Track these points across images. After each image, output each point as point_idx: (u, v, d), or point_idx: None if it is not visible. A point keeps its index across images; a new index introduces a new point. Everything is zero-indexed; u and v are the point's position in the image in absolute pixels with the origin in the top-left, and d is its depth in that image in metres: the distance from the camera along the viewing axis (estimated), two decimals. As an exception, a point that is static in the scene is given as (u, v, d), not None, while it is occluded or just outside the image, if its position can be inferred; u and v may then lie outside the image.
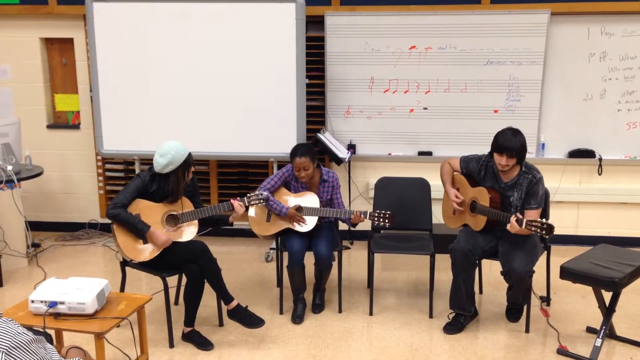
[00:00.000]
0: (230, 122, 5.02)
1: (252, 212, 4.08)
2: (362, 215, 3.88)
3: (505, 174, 3.72)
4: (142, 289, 4.53)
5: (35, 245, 5.40)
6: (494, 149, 3.64)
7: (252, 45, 4.88)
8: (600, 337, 3.43)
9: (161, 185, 3.58)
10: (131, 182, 3.59)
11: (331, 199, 4.11)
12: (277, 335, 3.78)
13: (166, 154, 3.50)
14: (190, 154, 3.59)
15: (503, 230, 3.63)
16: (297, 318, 3.95)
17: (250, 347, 3.62)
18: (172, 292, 4.19)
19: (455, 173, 3.99)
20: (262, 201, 3.71)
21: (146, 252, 3.54)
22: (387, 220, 3.86)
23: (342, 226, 4.51)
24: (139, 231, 3.49)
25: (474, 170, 3.88)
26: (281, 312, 4.09)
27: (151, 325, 3.88)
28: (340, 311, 4.12)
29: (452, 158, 4.03)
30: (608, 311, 3.51)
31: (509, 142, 3.55)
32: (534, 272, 3.62)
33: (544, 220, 3.35)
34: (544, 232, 3.32)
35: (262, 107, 4.97)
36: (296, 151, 3.94)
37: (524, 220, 3.41)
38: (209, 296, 3.95)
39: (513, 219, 3.46)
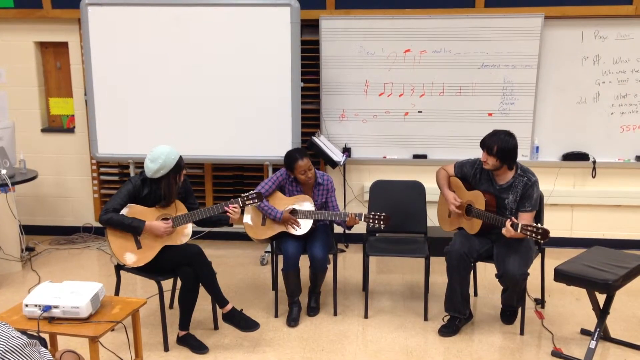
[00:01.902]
0: (225, 126, 5.03)
1: (247, 216, 4.08)
2: (357, 217, 3.89)
3: (499, 176, 3.74)
4: (136, 292, 4.52)
5: (29, 249, 5.39)
6: None
7: (247, 49, 4.89)
8: (595, 339, 3.44)
9: (153, 189, 3.57)
10: (122, 187, 3.57)
11: (326, 202, 4.12)
12: (272, 338, 3.78)
13: (156, 159, 3.49)
14: (181, 157, 3.58)
15: (498, 233, 3.64)
16: (292, 321, 3.95)
17: (245, 351, 3.62)
18: (167, 296, 4.18)
19: (451, 177, 4.01)
20: (255, 200, 3.70)
21: (141, 256, 3.53)
22: (382, 222, 3.86)
23: (337, 229, 4.52)
24: (136, 228, 3.47)
25: (469, 174, 3.89)
26: (276, 315, 4.09)
27: (146, 329, 3.87)
28: (335, 314, 4.12)
29: (447, 164, 4.05)
30: (602, 313, 3.52)
31: (488, 140, 3.65)
32: (528, 274, 3.63)
33: (539, 225, 3.36)
34: (539, 237, 3.33)
35: (257, 111, 4.98)
36: (295, 156, 3.93)
37: (519, 225, 3.42)
38: (203, 299, 3.94)
39: (508, 223, 3.47)
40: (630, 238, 5.46)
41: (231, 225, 3.78)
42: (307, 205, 4.01)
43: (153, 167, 3.49)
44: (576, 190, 5.41)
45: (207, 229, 5.54)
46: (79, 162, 5.81)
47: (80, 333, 2.87)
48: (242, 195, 3.69)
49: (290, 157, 3.96)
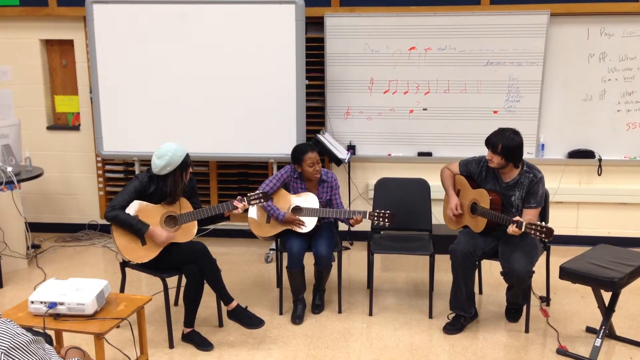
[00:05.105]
0: (230, 123, 5.03)
1: (252, 213, 4.08)
2: (361, 215, 3.89)
3: (505, 174, 3.73)
4: (142, 289, 4.53)
5: (35, 247, 5.41)
6: None
7: (251, 47, 4.89)
8: (600, 337, 3.43)
9: (159, 186, 3.58)
10: (129, 184, 3.58)
11: (330, 200, 4.12)
12: (277, 335, 3.79)
13: (164, 155, 3.50)
14: (188, 155, 3.59)
15: (503, 231, 3.63)
16: (297, 318, 3.95)
17: (250, 348, 3.62)
18: (172, 293, 4.19)
19: (456, 175, 4.00)
20: (261, 200, 3.70)
21: (145, 253, 3.54)
22: (386, 220, 3.86)
23: (342, 227, 4.51)
24: (138, 231, 3.49)
25: (475, 172, 3.88)
26: (281, 313, 4.09)
27: (151, 325, 3.88)
28: (340, 311, 4.12)
29: (451, 163, 4.04)
30: (607, 311, 3.52)
31: (493, 138, 3.64)
32: (533, 272, 3.62)
33: (543, 223, 3.35)
34: (543, 235, 3.32)
35: (262, 108, 4.98)
36: (306, 148, 3.98)
37: (524, 224, 3.41)
38: (208, 297, 3.95)
39: (512, 225, 3.45)
40: (636, 236, 5.44)
41: (228, 218, 3.78)
42: (312, 202, 4.01)
43: (160, 164, 3.50)
44: (582, 187, 5.39)
45: (207, 227, 5.53)
46: (84, 159, 5.83)
47: (85, 330, 2.89)
48: (249, 194, 3.70)
49: (299, 149, 3.99)
